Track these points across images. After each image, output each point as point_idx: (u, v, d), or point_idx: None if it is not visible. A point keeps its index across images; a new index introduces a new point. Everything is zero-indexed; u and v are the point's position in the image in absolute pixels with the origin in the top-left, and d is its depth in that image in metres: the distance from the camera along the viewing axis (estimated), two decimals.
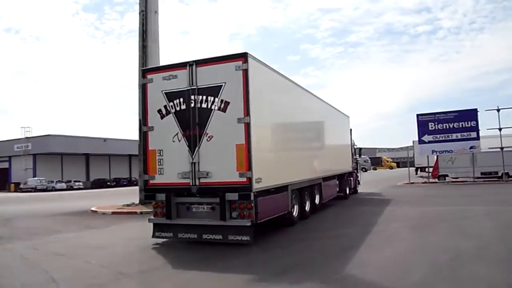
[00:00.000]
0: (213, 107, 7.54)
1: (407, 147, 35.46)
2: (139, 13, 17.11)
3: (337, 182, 15.04)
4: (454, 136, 24.21)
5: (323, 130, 13.60)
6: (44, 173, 48.06)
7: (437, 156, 25.66)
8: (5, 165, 52.86)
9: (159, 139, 8.03)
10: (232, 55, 7.53)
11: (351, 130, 18.80)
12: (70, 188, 46.07)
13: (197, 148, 7.63)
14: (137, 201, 16.58)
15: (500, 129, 23.91)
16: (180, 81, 7.82)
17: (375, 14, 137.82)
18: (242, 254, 7.02)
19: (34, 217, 15.13)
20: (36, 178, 46.38)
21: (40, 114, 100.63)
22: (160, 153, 7.99)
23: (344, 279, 5.32)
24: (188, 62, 7.77)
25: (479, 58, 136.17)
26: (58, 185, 45.82)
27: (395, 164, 77.27)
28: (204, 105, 7.62)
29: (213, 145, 7.54)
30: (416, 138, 25.89)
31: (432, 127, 24.75)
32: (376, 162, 74.13)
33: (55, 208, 18.28)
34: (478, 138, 23.80)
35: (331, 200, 14.04)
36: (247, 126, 7.27)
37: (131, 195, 20.13)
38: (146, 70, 8.51)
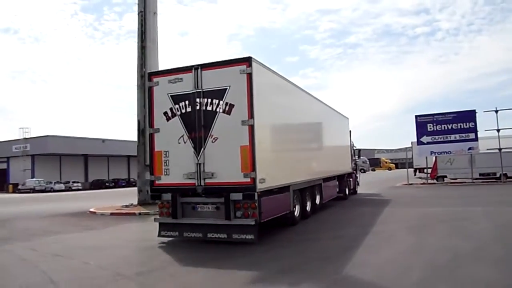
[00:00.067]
0: (218, 110, 7.72)
1: (406, 148, 35.50)
2: (138, 14, 17.15)
3: (337, 182, 15.22)
4: (452, 137, 24.29)
5: (323, 131, 13.77)
6: (43, 174, 48.10)
7: (435, 157, 25.76)
8: (4, 166, 52.84)
9: (165, 140, 8.19)
10: (237, 59, 7.73)
11: (350, 131, 18.96)
12: (69, 189, 46.04)
13: (202, 150, 7.80)
14: (135, 202, 16.53)
15: (498, 130, 24.10)
16: (186, 84, 7.99)
17: (374, 15, 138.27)
18: (244, 254, 7.12)
19: (32, 218, 15.14)
20: (34, 179, 46.40)
21: (38, 114, 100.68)
22: (166, 154, 8.16)
23: (344, 279, 5.40)
24: (193, 66, 7.97)
25: (477, 60, 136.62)
26: (57, 186, 45.78)
27: (393, 165, 77.19)
28: (209, 108, 7.80)
29: (218, 147, 7.71)
30: (415, 139, 25.95)
31: (430, 128, 24.83)
32: (375, 163, 74.14)
33: (54, 209, 18.29)
34: (476, 139, 23.91)
35: (331, 201, 14.20)
36: (251, 128, 7.45)
37: (130, 196, 20.19)
38: (152, 73, 8.71)
